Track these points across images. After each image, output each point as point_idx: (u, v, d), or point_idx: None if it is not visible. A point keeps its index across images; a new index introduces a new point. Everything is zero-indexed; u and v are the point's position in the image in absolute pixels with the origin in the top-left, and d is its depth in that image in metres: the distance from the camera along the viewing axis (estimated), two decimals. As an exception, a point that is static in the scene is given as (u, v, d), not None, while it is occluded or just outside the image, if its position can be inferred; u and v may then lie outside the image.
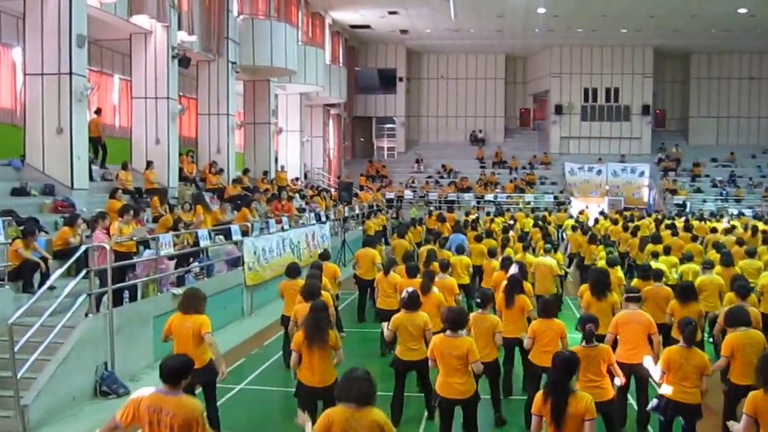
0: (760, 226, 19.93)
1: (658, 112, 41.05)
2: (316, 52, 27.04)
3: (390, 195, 34.19)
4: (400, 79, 39.64)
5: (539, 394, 5.04)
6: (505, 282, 9.17)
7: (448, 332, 6.56)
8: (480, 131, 40.82)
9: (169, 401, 4.66)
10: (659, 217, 24.79)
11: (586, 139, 38.83)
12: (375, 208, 28.39)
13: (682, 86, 41.37)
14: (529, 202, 33.37)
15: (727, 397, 7.02)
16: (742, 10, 30.45)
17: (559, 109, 38.52)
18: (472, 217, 22.56)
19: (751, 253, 12.89)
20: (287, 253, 16.17)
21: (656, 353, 7.26)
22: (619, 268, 11.54)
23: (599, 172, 35.40)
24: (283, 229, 16.73)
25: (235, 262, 14.20)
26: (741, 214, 28.26)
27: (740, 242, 15.12)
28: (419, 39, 37.91)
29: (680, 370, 6.32)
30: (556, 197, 33.91)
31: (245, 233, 14.62)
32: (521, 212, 27.72)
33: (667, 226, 19.20)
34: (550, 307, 7.78)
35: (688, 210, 31.55)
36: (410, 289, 7.97)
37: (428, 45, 39.30)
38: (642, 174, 35.31)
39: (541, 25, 34.53)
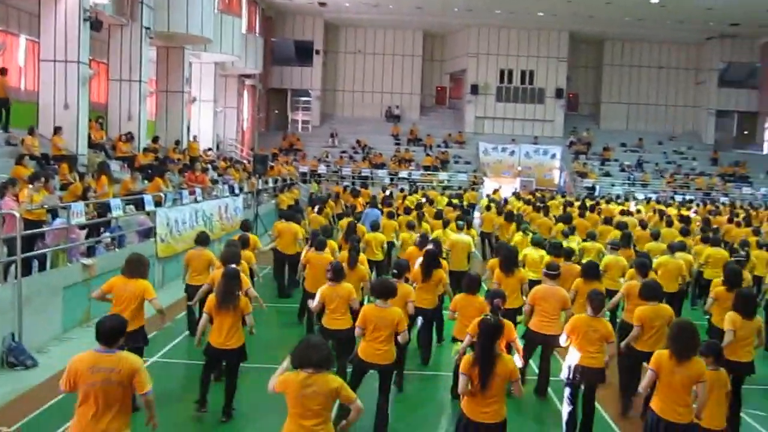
0: (672, 211, 21.82)
1: (571, 96, 42.69)
2: (233, 20, 26.89)
3: (304, 169, 34.49)
4: (317, 52, 39.74)
5: (469, 357, 5.52)
6: (421, 258, 9.68)
7: (378, 302, 7.06)
8: (396, 108, 41.47)
9: (110, 359, 4.94)
10: (570, 199, 26.34)
11: (500, 119, 40.02)
12: (289, 181, 28.79)
13: (595, 72, 43.15)
14: (442, 181, 34.32)
15: (627, 363, 7.90)
16: (654, 0, 31.93)
17: (475, 89, 39.54)
18: (387, 192, 23.31)
19: (656, 236, 13.89)
20: (200, 226, 16.03)
21: None
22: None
23: (512, 152, 36.82)
24: (196, 201, 16.63)
25: (147, 234, 14.11)
26: (648, 200, 30.05)
27: (643, 225, 16.35)
28: (338, 12, 38.02)
29: (585, 336, 7.00)
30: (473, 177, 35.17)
31: (158, 204, 14.46)
32: (434, 190, 28.74)
33: (580, 207, 20.53)
34: (473, 284, 8.25)
35: (597, 193, 33.26)
36: (335, 262, 8.48)
37: (346, 18, 39.52)
38: (554, 156, 36.96)
39: (461, 4, 35.20)
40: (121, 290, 7.39)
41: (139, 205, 14.01)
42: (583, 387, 7.20)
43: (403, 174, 34.95)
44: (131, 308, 7.26)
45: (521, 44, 39.80)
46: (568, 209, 20.99)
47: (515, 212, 19.08)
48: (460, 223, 13.61)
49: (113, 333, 5.05)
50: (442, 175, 35.27)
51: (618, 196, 31.67)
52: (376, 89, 41.86)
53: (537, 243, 11.84)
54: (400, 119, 41.27)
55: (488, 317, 5.94)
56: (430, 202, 21.24)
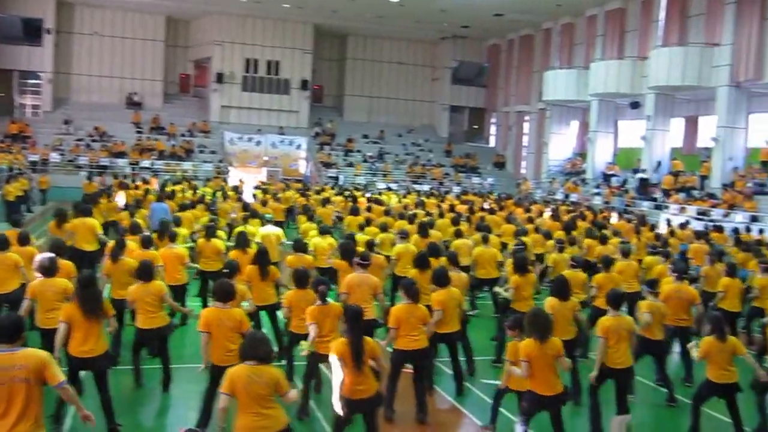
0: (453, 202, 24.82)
1: (316, 87, 44.90)
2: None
3: (33, 157, 33.34)
4: (48, 31, 38.42)
5: (343, 341, 6.51)
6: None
7: (218, 304, 7.47)
8: (136, 94, 41.31)
9: (13, 356, 5.06)
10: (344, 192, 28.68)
11: (246, 109, 41.37)
12: (16, 171, 28.30)
13: (339, 65, 45.99)
14: (186, 171, 34.89)
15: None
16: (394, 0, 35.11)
17: (220, 78, 40.43)
18: (172, 188, 22.85)
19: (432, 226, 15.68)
20: None
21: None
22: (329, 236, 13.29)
23: (258, 143, 38.38)
24: None
25: None
26: (390, 189, 32.53)
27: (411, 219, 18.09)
28: (71, -11, 37.02)
29: (407, 323, 8.02)
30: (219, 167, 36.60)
31: None
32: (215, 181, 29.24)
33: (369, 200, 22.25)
34: (303, 279, 8.80)
35: (341, 182, 36.31)
36: (144, 261, 9.06)
37: (81, -4, 38.65)
38: (299, 146, 39.14)
39: (204, -10, 36.08)
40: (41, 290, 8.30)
41: None
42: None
43: (145, 163, 35.08)
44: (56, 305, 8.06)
45: (267, 34, 41.40)
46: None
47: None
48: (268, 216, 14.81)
49: (11, 330, 5.15)
50: (186, 165, 36.01)
51: (362, 185, 34.96)
52: (115, 74, 41.27)
53: (324, 231, 13.17)
54: (142, 106, 41.09)
55: (353, 306, 6.95)
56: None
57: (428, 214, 19.28)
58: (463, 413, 8.89)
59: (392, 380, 8.15)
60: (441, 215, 18.82)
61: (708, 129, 29.28)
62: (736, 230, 19.43)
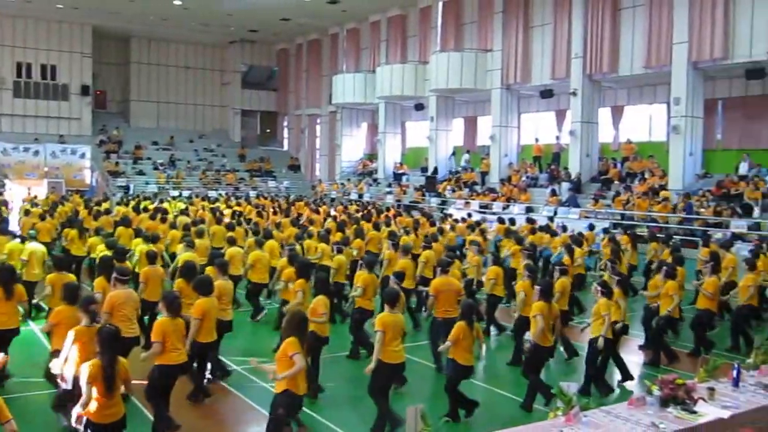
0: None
1: (98, 93, 43.40)
2: None
3: None
4: None
5: (96, 363, 6.16)
6: None
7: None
8: None
9: None
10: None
11: (20, 117, 38.95)
12: None
13: (123, 69, 44.45)
14: None
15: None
16: (177, 2, 34.31)
17: None
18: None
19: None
20: None
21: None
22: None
23: (36, 152, 36.10)
24: None
25: None
26: (202, 198, 31.60)
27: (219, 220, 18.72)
28: None
29: (173, 335, 7.84)
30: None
31: None
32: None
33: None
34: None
35: (131, 192, 35.20)
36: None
37: None
38: (83, 156, 37.06)
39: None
40: None
41: None
42: None
43: None
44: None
45: (40, 37, 39.24)
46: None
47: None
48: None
49: None
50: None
51: (155, 194, 34.16)
52: None
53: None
54: None
55: (109, 327, 6.71)
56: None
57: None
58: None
59: (159, 398, 7.92)
60: (218, 221, 18.96)
61: (486, 128, 31.51)
62: (501, 220, 21.11)
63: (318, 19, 37.55)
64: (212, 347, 9.17)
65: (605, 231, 19.58)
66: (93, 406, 6.12)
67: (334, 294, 10.91)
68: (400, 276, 10.01)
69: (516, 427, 5.55)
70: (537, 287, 9.40)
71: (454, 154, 33.48)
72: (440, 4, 32.03)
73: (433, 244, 14.62)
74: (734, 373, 6.80)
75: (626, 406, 6.11)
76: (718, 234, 18.90)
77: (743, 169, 22.41)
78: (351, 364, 10.95)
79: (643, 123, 27.25)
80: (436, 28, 32.58)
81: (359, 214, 22.69)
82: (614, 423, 5.70)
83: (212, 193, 35.33)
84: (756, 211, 20.09)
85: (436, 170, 32.52)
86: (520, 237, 16.10)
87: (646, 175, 24.54)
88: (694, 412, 5.94)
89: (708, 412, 5.99)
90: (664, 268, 11.76)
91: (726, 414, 6.00)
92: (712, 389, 6.36)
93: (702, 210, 20.74)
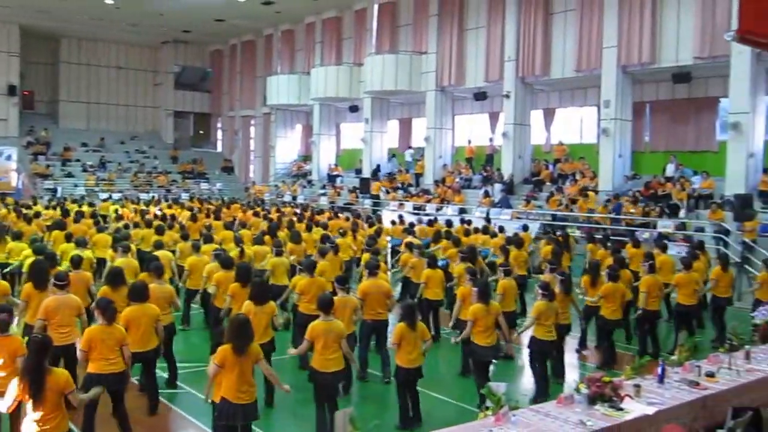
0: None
1: (26, 93, 41.99)
2: None
3: None
4: None
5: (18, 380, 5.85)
6: None
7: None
8: None
9: None
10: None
11: None
12: None
13: (52, 68, 43.31)
14: None
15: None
16: (109, 1, 33.57)
17: None
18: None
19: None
20: None
21: None
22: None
23: None
24: None
25: None
26: (132, 201, 30.46)
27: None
28: None
29: (104, 344, 7.45)
30: None
31: None
32: None
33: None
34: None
35: (59, 195, 34.29)
36: None
37: None
38: (9, 158, 35.77)
39: None
40: None
41: None
42: None
43: None
44: None
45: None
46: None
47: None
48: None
49: None
50: None
51: (83, 197, 33.27)
52: None
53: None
54: None
55: (36, 336, 6.34)
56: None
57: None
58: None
59: (88, 408, 7.55)
60: (148, 224, 18.39)
61: (420, 130, 31.67)
62: (430, 222, 21.20)
63: (252, 20, 37.22)
64: (150, 356, 8.66)
65: (545, 232, 19.88)
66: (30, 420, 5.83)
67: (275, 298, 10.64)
68: (341, 281, 9.85)
69: (448, 427, 5.54)
70: (474, 288, 9.40)
71: (394, 156, 33.56)
72: (375, 6, 32.08)
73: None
74: (659, 370, 6.99)
75: (555, 404, 6.20)
76: (645, 234, 19.33)
77: (670, 170, 22.99)
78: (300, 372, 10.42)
79: (574, 125, 27.74)
80: (371, 30, 32.61)
81: (295, 217, 22.53)
82: (543, 422, 5.78)
83: (143, 195, 34.59)
84: (682, 212, 20.64)
85: (378, 170, 32.48)
86: (457, 239, 16.16)
87: (577, 177, 25.00)
88: (621, 409, 6.05)
89: (634, 408, 6.10)
90: (607, 270, 11.84)
91: (651, 410, 6.13)
92: (638, 386, 6.52)
93: (632, 210, 21.19)
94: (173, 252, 14.57)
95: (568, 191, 23.97)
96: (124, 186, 38.05)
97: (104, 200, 30.72)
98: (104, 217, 23.71)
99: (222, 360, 6.75)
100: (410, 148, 32.85)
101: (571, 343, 12.13)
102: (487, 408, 5.83)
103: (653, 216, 20.70)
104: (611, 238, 18.04)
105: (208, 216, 22.54)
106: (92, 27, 39.95)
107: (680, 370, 7.28)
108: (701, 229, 19.41)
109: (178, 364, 10.03)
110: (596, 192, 23.32)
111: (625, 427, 5.90)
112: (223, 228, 18.51)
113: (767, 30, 6.73)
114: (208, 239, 14.83)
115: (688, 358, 7.48)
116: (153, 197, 32.83)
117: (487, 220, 21.23)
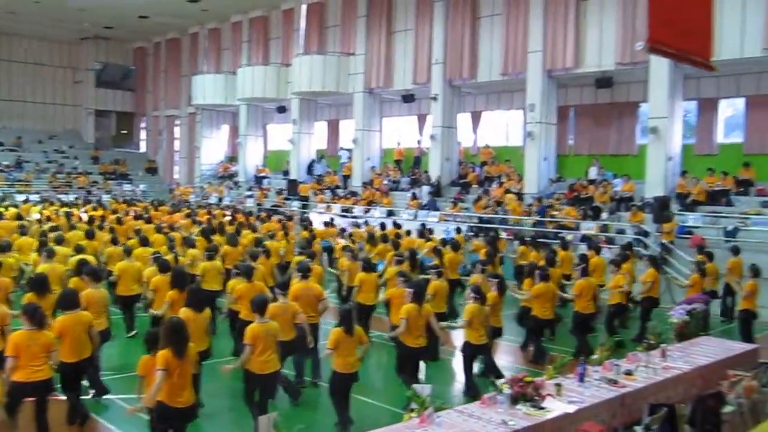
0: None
1: None
2: None
3: None
4: None
5: None
6: None
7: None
8: None
9: None
10: None
11: None
12: None
13: None
14: None
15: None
16: None
17: None
18: None
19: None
20: None
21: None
22: None
23: None
24: None
25: None
26: (52, 202, 29.48)
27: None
28: None
29: (28, 351, 7.20)
30: None
31: None
32: None
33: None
34: None
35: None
36: None
37: None
38: None
39: None
40: None
41: None
42: None
43: None
44: None
45: None
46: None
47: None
48: None
49: None
50: None
51: (2, 199, 32.03)
52: None
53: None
54: None
55: None
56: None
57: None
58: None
59: (11, 413, 7.40)
60: (72, 227, 17.95)
61: (348, 132, 31.62)
62: (356, 224, 21.15)
63: (178, 17, 36.56)
64: (83, 366, 8.37)
65: (475, 234, 20.05)
66: None
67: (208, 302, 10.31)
68: (282, 286, 9.69)
69: (374, 430, 5.52)
70: (408, 289, 9.39)
71: (322, 157, 33.42)
72: (303, 6, 31.88)
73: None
74: (580, 369, 7.12)
75: (479, 405, 6.26)
76: (569, 236, 19.67)
77: (593, 173, 23.48)
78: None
79: (500, 128, 28.10)
80: (298, 31, 32.39)
81: (226, 219, 22.23)
82: (467, 422, 5.84)
83: (64, 197, 33.53)
84: (604, 214, 21.09)
85: (311, 168, 32.26)
86: (396, 242, 16.19)
87: (503, 179, 25.30)
88: (542, 408, 6.15)
89: (555, 407, 6.21)
90: (537, 271, 11.97)
91: (572, 408, 6.24)
92: (559, 385, 6.64)
93: (556, 213, 21.55)
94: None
95: (494, 194, 24.21)
96: (42, 187, 36.76)
97: (24, 202, 29.64)
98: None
99: (166, 364, 6.63)
100: (343, 149, 32.72)
101: (502, 345, 12.24)
102: (412, 410, 5.85)
103: (575, 217, 21.04)
104: (537, 240, 18.26)
105: (136, 219, 21.93)
106: (9, 22, 38.68)
107: (600, 369, 7.41)
108: (622, 231, 19.83)
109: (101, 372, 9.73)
110: (520, 195, 23.60)
111: (547, 426, 5.98)
112: (155, 231, 18.04)
113: (674, 40, 6.90)
114: (145, 242, 14.52)
115: (609, 357, 7.61)
116: (77, 199, 31.91)
117: (423, 225, 21.09)
